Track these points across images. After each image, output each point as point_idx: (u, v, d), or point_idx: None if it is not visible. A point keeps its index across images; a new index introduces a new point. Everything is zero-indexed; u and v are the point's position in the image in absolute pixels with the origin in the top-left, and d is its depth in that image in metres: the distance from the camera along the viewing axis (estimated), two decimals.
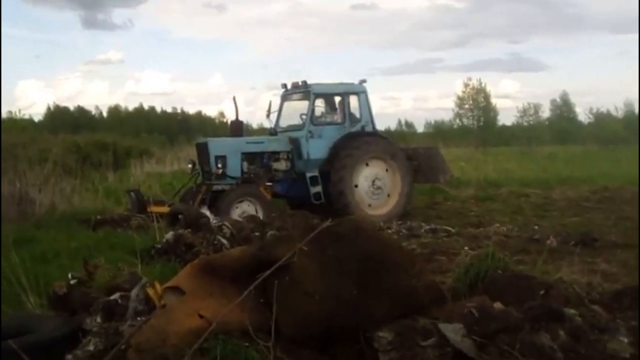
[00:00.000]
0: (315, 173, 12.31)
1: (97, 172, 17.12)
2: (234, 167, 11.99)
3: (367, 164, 12.63)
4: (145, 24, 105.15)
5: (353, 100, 13.03)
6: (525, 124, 54.02)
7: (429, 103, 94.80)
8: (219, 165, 11.72)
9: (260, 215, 10.98)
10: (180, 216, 9.25)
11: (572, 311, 4.06)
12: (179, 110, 62.77)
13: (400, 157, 12.95)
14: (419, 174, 13.28)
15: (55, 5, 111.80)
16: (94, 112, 61.18)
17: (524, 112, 55.00)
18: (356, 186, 12.44)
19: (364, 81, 13.35)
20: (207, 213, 9.13)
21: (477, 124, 50.94)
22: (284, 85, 13.61)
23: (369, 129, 13.03)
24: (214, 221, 8.55)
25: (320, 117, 13.14)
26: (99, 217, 10.82)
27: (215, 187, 11.55)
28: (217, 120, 61.25)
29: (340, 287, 3.84)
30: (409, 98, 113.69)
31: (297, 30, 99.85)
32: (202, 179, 12.15)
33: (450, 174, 14.23)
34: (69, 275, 5.03)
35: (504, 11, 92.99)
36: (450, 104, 55.46)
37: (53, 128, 42.03)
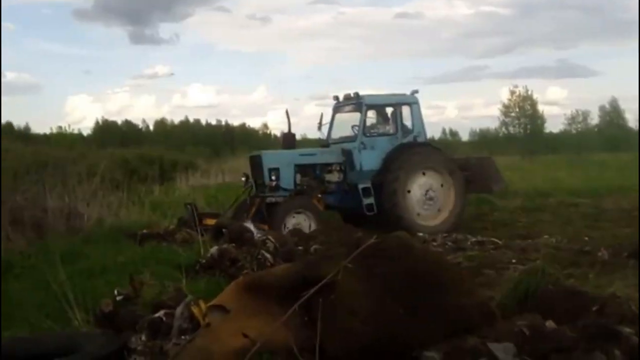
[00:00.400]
0: (368, 184, 12.29)
1: (143, 186, 17.36)
2: (287, 179, 12.10)
3: (421, 175, 12.63)
4: (191, 38, 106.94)
5: (405, 111, 13.05)
6: (573, 131, 53.06)
7: (474, 111, 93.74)
8: (273, 178, 11.87)
9: (313, 227, 11.17)
10: (224, 230, 9.29)
11: (628, 330, 3.89)
12: (223, 123, 63.62)
13: (453, 170, 12.90)
14: (472, 183, 13.20)
15: (104, 21, 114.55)
16: (140, 125, 62.49)
17: (572, 119, 54.12)
18: (409, 196, 12.42)
19: (415, 92, 13.34)
20: (252, 227, 9.12)
21: (524, 132, 50.10)
22: (336, 97, 13.64)
23: (421, 139, 13.07)
24: (258, 235, 8.54)
25: (373, 128, 13.17)
26: (145, 231, 10.94)
27: (268, 200, 11.68)
28: (260, 132, 61.98)
29: (386, 306, 3.77)
30: (454, 107, 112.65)
31: (341, 41, 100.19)
32: (256, 192, 12.25)
33: (503, 183, 14.11)
34: (115, 292, 5.08)
35: (550, 17, 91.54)
36: (495, 112, 54.74)
37: (101, 142, 42.99)
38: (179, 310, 4.12)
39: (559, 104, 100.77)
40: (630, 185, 18.80)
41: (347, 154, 12.61)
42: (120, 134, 55.59)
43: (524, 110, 50.35)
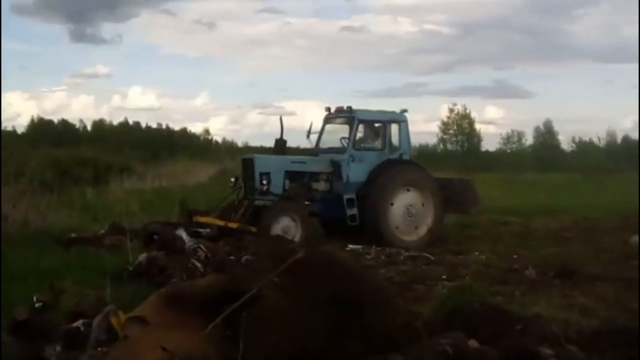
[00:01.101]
0: (353, 196, 12.58)
1: (75, 188, 16.85)
2: (277, 184, 12.36)
3: (405, 191, 12.89)
4: (134, 39, 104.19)
5: (394, 129, 13.34)
6: (508, 150, 54.37)
7: (415, 127, 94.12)
8: (264, 182, 12.18)
9: (300, 231, 11.63)
10: (155, 237, 9.09)
11: (548, 351, 3.96)
12: (164, 127, 62.48)
13: (435, 189, 13.17)
14: (450, 204, 13.42)
15: (44, 18, 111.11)
16: (78, 125, 60.72)
17: (508, 139, 55.43)
18: (390, 211, 12.64)
19: (405, 111, 13.72)
20: (183, 235, 8.96)
21: (461, 149, 51.19)
22: (328, 109, 13.92)
23: (406, 157, 13.42)
24: (190, 244, 8.39)
25: (362, 142, 13.49)
26: (73, 235, 10.61)
27: (257, 202, 11.97)
28: (202, 138, 61.17)
29: (311, 322, 3.72)
30: None
31: (286, 51, 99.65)
32: (245, 194, 12.53)
33: (479, 205, 14.42)
34: (34, 299, 4.87)
35: (491, 38, 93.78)
36: (435, 128, 55.51)
37: (35, 141, 41.52)
38: (96, 320, 3.96)
39: (495, 124, 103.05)
40: (560, 206, 19.41)
41: (336, 165, 12.92)
42: (56, 133, 53.83)
43: (462, 128, 51.46)
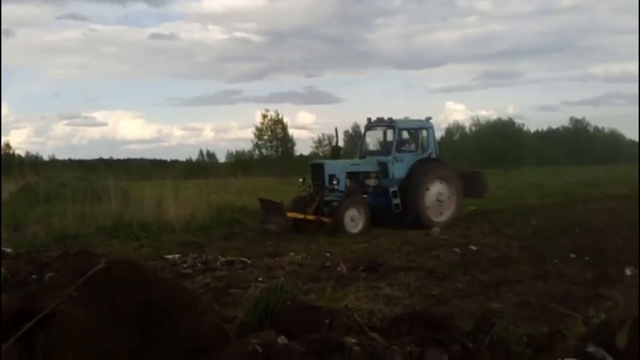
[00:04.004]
0: (396, 188, 15.75)
1: None
2: (341, 183, 15.42)
3: (436, 183, 16.18)
4: None
5: (424, 133, 16.54)
6: (320, 153, 56.39)
7: (230, 134, 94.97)
8: (334, 182, 15.21)
9: (363, 219, 14.85)
10: None
11: (352, 340, 4.16)
12: None
13: (458, 181, 16.51)
14: (467, 190, 16.71)
15: None
16: None
17: (319, 142, 57.58)
18: (426, 198, 15.86)
19: (430, 118, 17.07)
20: None
21: (276, 154, 52.21)
22: (369, 119, 17.25)
23: (433, 156, 16.62)
24: None
25: (402, 145, 16.44)
26: None
27: (326, 198, 15.09)
28: (2, 152, 56.27)
29: (117, 336, 3.58)
30: (210, 129, 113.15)
31: (93, 59, 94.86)
32: (314, 191, 15.44)
33: (489, 191, 17.97)
34: None
35: (299, 46, 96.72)
36: (250, 134, 56.19)
37: None
38: None
39: (307, 128, 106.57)
40: None
41: (382, 165, 16.12)
42: None
43: (276, 134, 52.54)
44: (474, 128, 58.12)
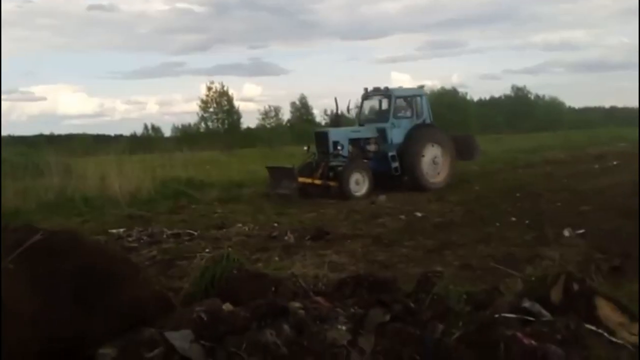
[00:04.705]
0: (394, 153, 16.80)
1: None
2: (345, 149, 16.43)
3: (430, 147, 17.12)
4: None
5: (418, 101, 17.68)
6: (267, 126, 56.17)
7: (175, 107, 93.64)
8: (339, 148, 16.23)
9: (367, 182, 15.85)
10: None
11: (297, 304, 4.21)
12: None
13: (450, 144, 17.53)
14: (459, 153, 17.83)
15: None
16: None
17: (266, 114, 57.28)
18: (422, 161, 16.86)
19: (422, 86, 19.30)
20: None
21: (222, 127, 51.69)
22: (365, 89, 18.31)
23: (427, 121, 17.72)
24: None
25: (398, 112, 17.46)
26: None
27: (331, 164, 16.12)
28: None
29: (56, 307, 3.52)
30: (154, 102, 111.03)
31: (29, 31, 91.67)
32: (320, 158, 16.47)
33: (480, 153, 19.67)
34: None
35: (243, 17, 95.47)
36: (195, 108, 55.28)
37: None
38: None
39: (254, 101, 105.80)
40: None
41: (381, 131, 17.10)
42: None
43: (222, 106, 51.94)
44: None
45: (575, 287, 4.08)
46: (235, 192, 16.79)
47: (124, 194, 15.40)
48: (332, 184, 15.85)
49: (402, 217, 12.06)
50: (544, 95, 69.59)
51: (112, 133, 59.06)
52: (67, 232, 4.02)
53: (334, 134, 16.71)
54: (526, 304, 3.99)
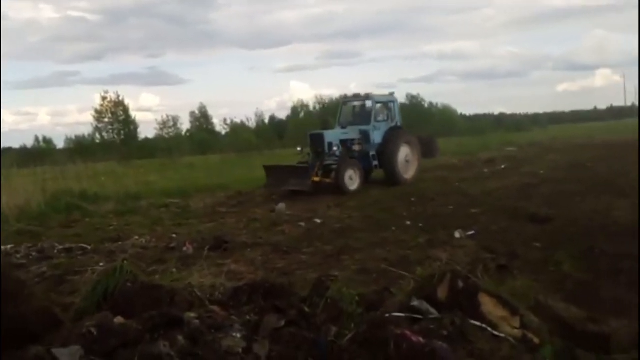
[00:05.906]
0: (374, 152, 18.67)
1: None
2: (337, 149, 17.87)
3: (403, 146, 19.10)
4: None
5: (391, 106, 19.70)
6: (166, 136, 55.02)
7: (68, 118, 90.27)
8: (334, 148, 17.73)
9: (358, 178, 17.42)
10: None
11: (192, 315, 4.18)
12: None
13: (417, 145, 19.91)
14: (423, 152, 20.42)
15: None
16: None
17: (164, 124, 56.13)
18: (397, 159, 18.74)
19: (392, 93, 20.47)
20: None
21: (119, 137, 50.21)
22: (345, 95, 20.90)
23: (399, 125, 19.69)
24: None
25: (378, 116, 19.17)
26: None
27: (325, 163, 17.42)
28: None
29: None
30: (46, 113, 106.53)
31: None
32: (315, 158, 17.67)
33: (439, 153, 25.36)
34: None
35: (139, 25, 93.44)
36: (90, 118, 53.20)
37: None
38: None
39: (152, 110, 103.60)
40: (216, 184, 20.41)
41: (364, 133, 18.71)
42: None
43: (117, 116, 50.40)
44: (317, 106, 59.76)
45: (461, 284, 4.28)
46: (131, 204, 16.34)
47: (12, 208, 14.64)
48: (328, 180, 17.15)
49: (302, 224, 12.15)
50: (437, 103, 72.12)
51: None
52: None
53: (328, 136, 18.23)
54: (415, 302, 4.14)
